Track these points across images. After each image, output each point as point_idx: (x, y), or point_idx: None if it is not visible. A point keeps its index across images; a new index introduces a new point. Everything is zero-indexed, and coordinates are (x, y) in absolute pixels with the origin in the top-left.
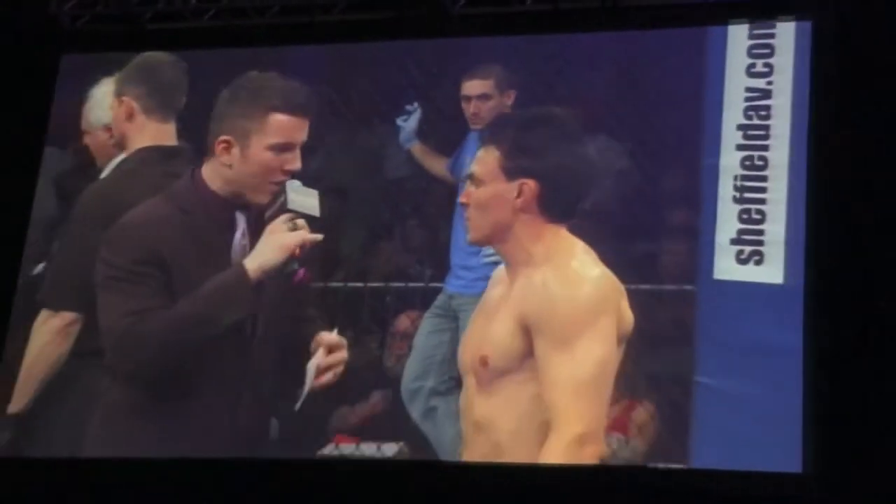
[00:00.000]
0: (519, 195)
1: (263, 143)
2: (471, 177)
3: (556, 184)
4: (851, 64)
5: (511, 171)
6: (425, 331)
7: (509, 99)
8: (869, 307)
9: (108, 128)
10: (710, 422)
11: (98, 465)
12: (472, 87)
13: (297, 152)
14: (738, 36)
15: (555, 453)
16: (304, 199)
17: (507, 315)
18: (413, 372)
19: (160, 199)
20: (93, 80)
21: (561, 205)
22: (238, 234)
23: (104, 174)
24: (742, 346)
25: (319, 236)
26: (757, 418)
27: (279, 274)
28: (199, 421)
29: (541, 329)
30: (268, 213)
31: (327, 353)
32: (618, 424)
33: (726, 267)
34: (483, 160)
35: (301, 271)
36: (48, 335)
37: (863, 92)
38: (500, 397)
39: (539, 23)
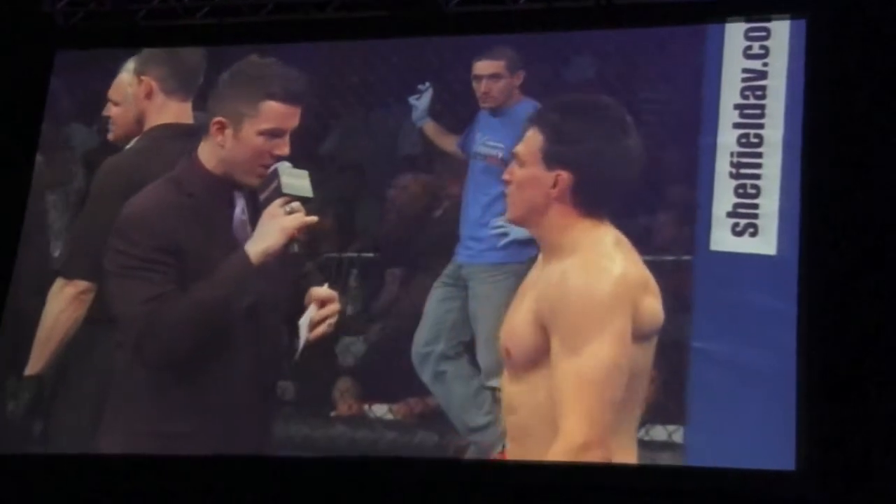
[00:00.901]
0: (554, 185)
1: (255, 127)
2: (515, 155)
3: (592, 177)
4: (844, 55)
5: (550, 159)
6: (436, 299)
7: (519, 80)
8: (857, 280)
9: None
10: (705, 385)
11: (117, 461)
12: (483, 67)
13: (287, 138)
14: (736, 24)
15: (558, 457)
16: (296, 181)
17: (528, 308)
18: (423, 338)
19: (163, 184)
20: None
21: (595, 198)
22: (238, 211)
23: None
24: (736, 313)
25: (315, 218)
26: (750, 380)
27: (282, 255)
28: (220, 393)
29: (554, 326)
30: (262, 196)
31: (319, 307)
32: None
33: (722, 238)
34: (528, 141)
35: None
36: (63, 302)
37: (853, 73)
38: (526, 384)
39: (533, 21)
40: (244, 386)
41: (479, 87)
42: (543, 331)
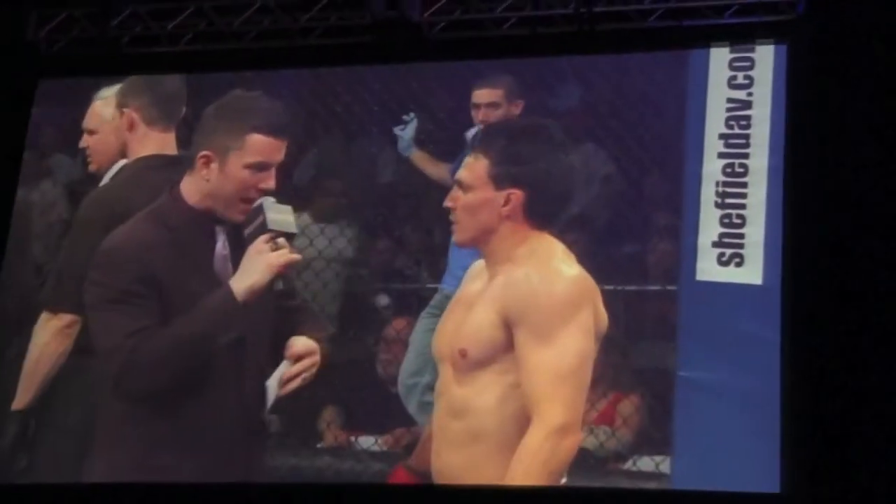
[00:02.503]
0: (506, 203)
1: (241, 161)
2: (459, 182)
3: (542, 193)
4: (825, 79)
5: (499, 180)
6: (421, 329)
7: (517, 109)
8: (844, 305)
9: (110, 130)
10: (691, 413)
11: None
12: (482, 95)
13: (273, 172)
14: (720, 51)
15: (536, 443)
16: (281, 216)
17: (487, 308)
18: (409, 368)
19: (144, 218)
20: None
21: (545, 213)
22: (219, 245)
23: (105, 180)
24: (722, 342)
25: (299, 256)
26: (736, 408)
27: (267, 292)
28: (204, 427)
29: (522, 321)
30: (247, 231)
31: (294, 362)
32: (605, 417)
33: (708, 268)
34: (472, 167)
35: None
36: (48, 335)
37: (836, 102)
38: (478, 385)
39: (516, 47)
40: (228, 419)
41: (478, 115)
42: (507, 329)
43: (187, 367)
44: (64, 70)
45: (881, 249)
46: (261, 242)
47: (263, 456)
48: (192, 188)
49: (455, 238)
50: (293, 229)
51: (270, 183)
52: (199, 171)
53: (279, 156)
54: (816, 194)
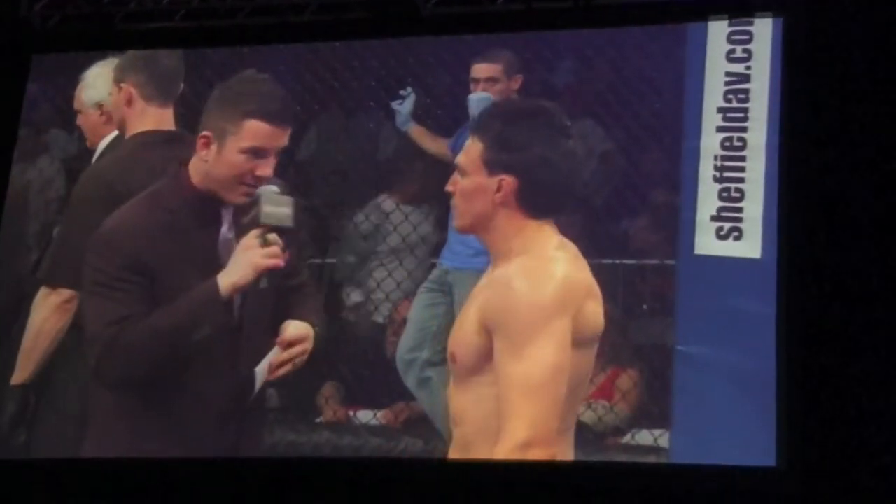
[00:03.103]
0: (499, 190)
1: (237, 145)
2: (458, 166)
3: (537, 181)
4: (822, 56)
5: (492, 166)
6: (420, 304)
7: (516, 84)
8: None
9: (99, 106)
10: (689, 387)
11: (98, 467)
12: (480, 70)
13: (271, 159)
14: (719, 24)
15: (501, 457)
16: (277, 209)
17: (475, 312)
18: (408, 344)
19: (144, 200)
20: (83, 65)
21: (541, 201)
22: (224, 228)
23: (97, 153)
24: (720, 316)
25: (282, 263)
26: (734, 382)
27: (252, 289)
28: (189, 416)
29: (497, 329)
30: (244, 221)
31: (284, 349)
32: (604, 392)
33: (707, 243)
34: (468, 151)
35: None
36: (47, 311)
37: (834, 74)
38: (471, 394)
39: (512, 22)
40: (216, 407)
41: (476, 90)
42: (488, 334)
43: (166, 357)
44: (56, 46)
45: (880, 225)
46: (251, 237)
47: (262, 433)
48: (195, 168)
49: (454, 224)
50: (289, 223)
51: (267, 170)
52: (199, 150)
53: (278, 142)
54: (812, 168)
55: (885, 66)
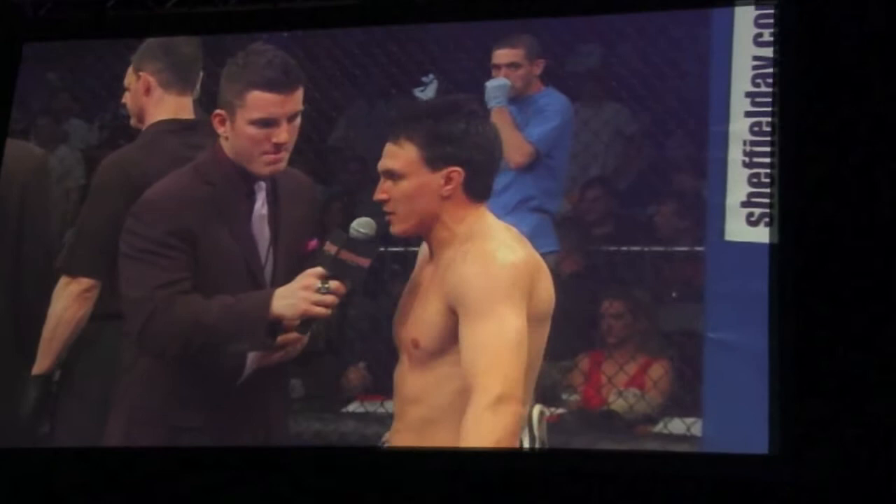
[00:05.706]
0: (448, 183)
1: (246, 118)
2: (386, 172)
3: (477, 167)
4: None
5: (434, 162)
6: None
7: (538, 68)
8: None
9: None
10: (720, 375)
11: (121, 455)
12: (502, 55)
13: (284, 125)
14: (745, 9)
15: (476, 414)
16: (356, 258)
17: (434, 296)
18: None
19: (186, 172)
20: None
21: (481, 185)
22: (258, 205)
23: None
24: (750, 302)
25: (327, 314)
26: (763, 369)
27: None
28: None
29: (460, 303)
30: (323, 247)
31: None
32: (636, 381)
33: (737, 229)
34: (396, 155)
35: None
36: (67, 300)
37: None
38: (433, 375)
39: (512, 8)
40: (252, 384)
41: (498, 76)
42: (453, 314)
43: (199, 348)
44: (48, 34)
45: None
46: (313, 276)
47: (287, 421)
48: (223, 144)
49: (393, 230)
50: (364, 265)
51: (283, 136)
52: (218, 128)
53: (286, 108)
54: (822, 153)
55: None
